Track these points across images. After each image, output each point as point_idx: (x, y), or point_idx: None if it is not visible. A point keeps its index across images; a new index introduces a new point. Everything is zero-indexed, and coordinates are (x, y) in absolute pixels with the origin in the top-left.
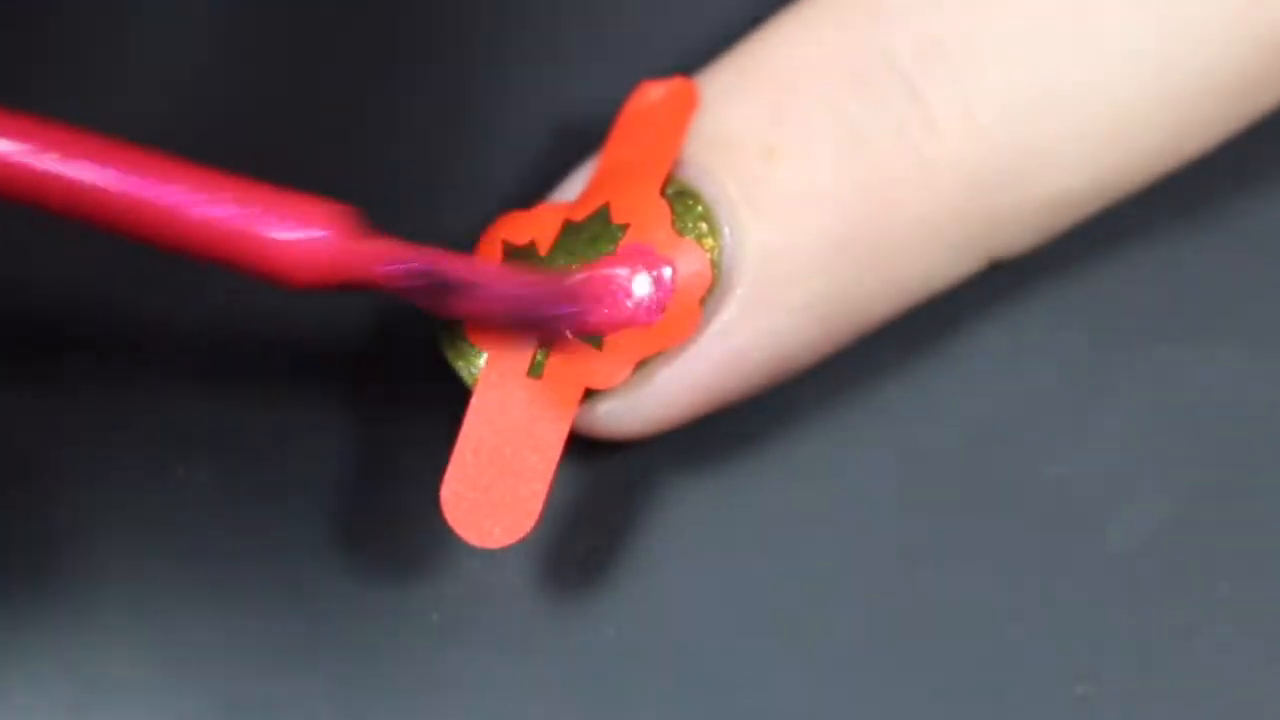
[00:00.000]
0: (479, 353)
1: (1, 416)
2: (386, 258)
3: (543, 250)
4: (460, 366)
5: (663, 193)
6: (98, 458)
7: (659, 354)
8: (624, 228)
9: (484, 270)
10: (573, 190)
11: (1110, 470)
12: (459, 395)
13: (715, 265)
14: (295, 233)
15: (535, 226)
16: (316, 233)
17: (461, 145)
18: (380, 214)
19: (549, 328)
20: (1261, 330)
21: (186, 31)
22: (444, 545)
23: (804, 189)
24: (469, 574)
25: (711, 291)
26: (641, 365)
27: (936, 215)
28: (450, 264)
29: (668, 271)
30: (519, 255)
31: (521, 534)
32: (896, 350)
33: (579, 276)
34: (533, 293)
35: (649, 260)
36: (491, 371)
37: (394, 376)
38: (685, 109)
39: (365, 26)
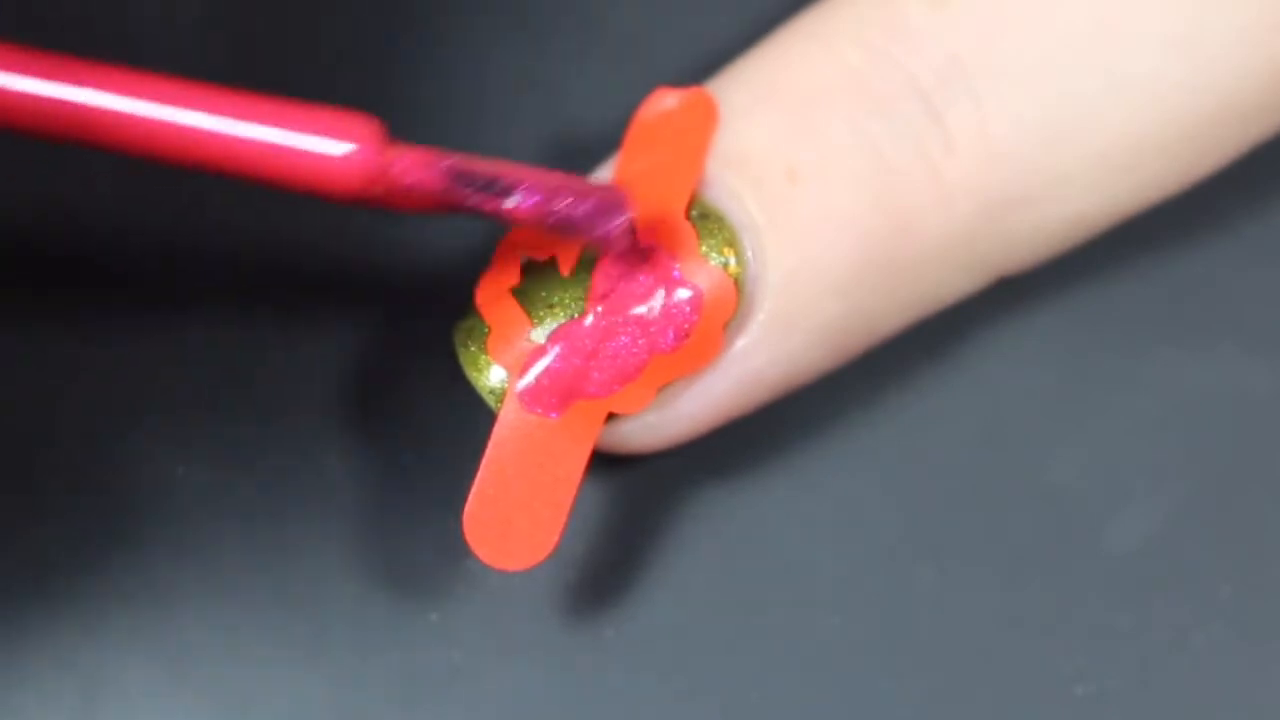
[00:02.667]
0: (495, 365)
1: (1, 418)
2: (426, 161)
3: (565, 269)
4: (475, 376)
5: (687, 214)
6: (98, 458)
7: (680, 377)
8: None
9: (524, 170)
10: None
11: (1110, 471)
12: (460, 396)
13: (739, 290)
14: (334, 142)
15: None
16: (353, 142)
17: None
18: (382, 220)
19: (586, 233)
20: (1261, 331)
21: (185, 42)
22: (444, 545)
23: (826, 213)
24: (469, 574)
25: (734, 317)
26: (663, 388)
27: (951, 237)
28: (488, 164)
29: (688, 294)
30: (539, 272)
31: (542, 556)
32: (898, 353)
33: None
34: (575, 193)
35: (675, 285)
36: (515, 396)
37: (395, 377)
38: (705, 123)
39: (364, 34)
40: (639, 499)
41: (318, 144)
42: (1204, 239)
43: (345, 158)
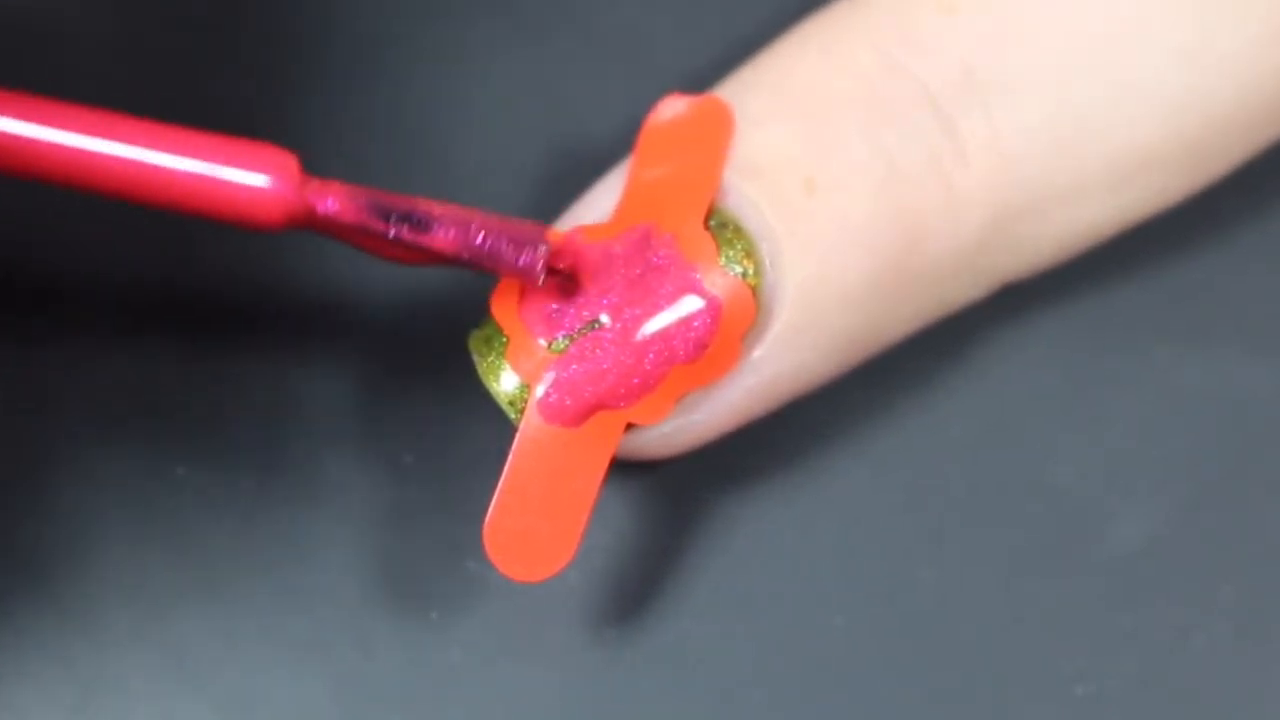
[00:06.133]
0: (514, 374)
1: (1, 417)
2: (345, 194)
3: (585, 280)
4: (493, 386)
5: (705, 224)
6: (98, 458)
7: (697, 388)
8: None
9: (443, 205)
10: (596, 206)
11: (1111, 472)
12: (461, 396)
13: (757, 301)
14: (251, 175)
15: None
16: (270, 175)
17: (462, 154)
18: None
19: (505, 265)
20: (1261, 331)
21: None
22: (444, 544)
23: (842, 223)
24: (469, 574)
25: (752, 327)
26: (680, 398)
27: (962, 247)
28: (406, 198)
29: (709, 305)
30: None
31: (559, 568)
32: (902, 356)
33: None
34: (493, 227)
35: (696, 296)
36: (536, 408)
37: (395, 378)
38: (721, 131)
39: (366, 35)
40: (640, 499)
41: (237, 178)
42: (1204, 241)
43: (263, 190)
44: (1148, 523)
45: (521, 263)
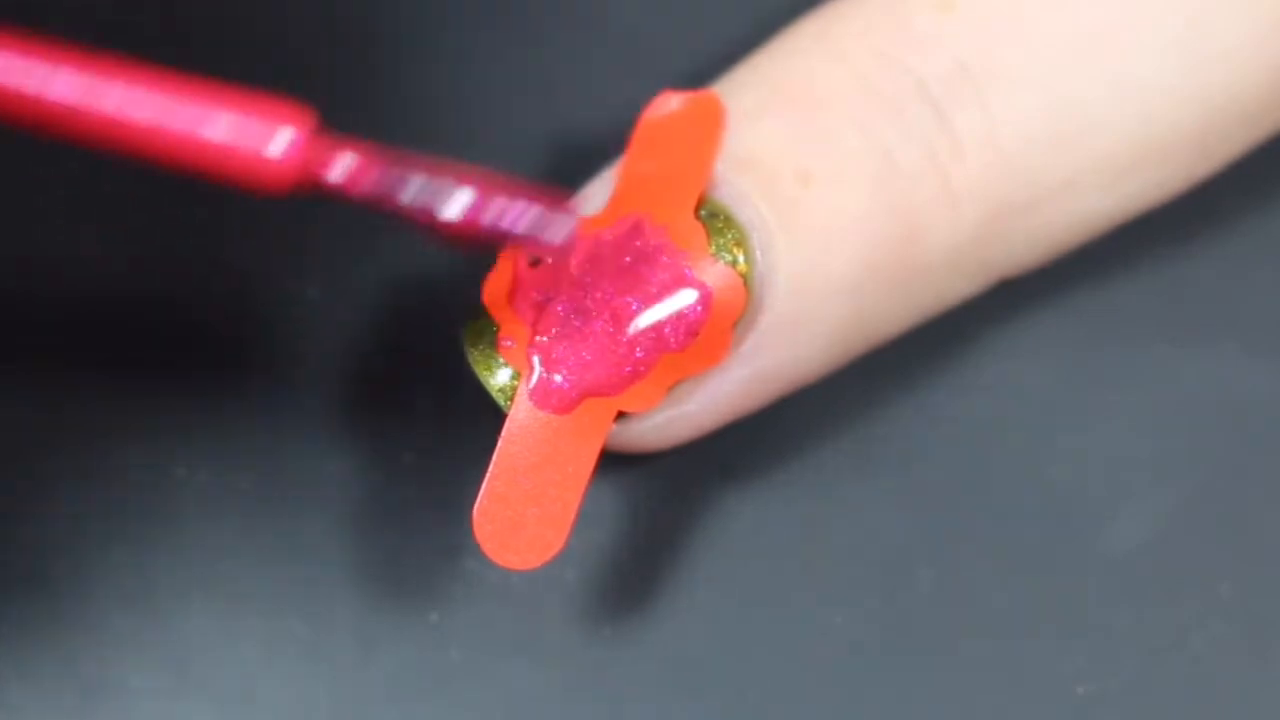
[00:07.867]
0: (505, 364)
1: (1, 417)
2: (361, 154)
3: (574, 268)
4: (485, 376)
5: (696, 213)
6: (98, 458)
7: (688, 377)
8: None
9: (465, 174)
10: (592, 201)
11: (1110, 471)
12: (461, 396)
13: (748, 289)
14: (263, 132)
15: None
16: (284, 130)
17: (461, 152)
18: (384, 219)
19: (527, 241)
20: (1260, 330)
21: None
22: (444, 545)
23: (836, 216)
24: (469, 574)
25: (742, 316)
26: (671, 387)
27: (958, 242)
28: (426, 164)
29: (699, 292)
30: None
31: (550, 555)
32: (898, 352)
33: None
34: (516, 199)
35: (685, 283)
36: (525, 394)
37: (395, 378)
38: (713, 125)
39: (363, 33)
40: (636, 496)
41: (245, 135)
42: (1203, 238)
43: (272, 152)
44: (1147, 522)
45: (543, 241)
